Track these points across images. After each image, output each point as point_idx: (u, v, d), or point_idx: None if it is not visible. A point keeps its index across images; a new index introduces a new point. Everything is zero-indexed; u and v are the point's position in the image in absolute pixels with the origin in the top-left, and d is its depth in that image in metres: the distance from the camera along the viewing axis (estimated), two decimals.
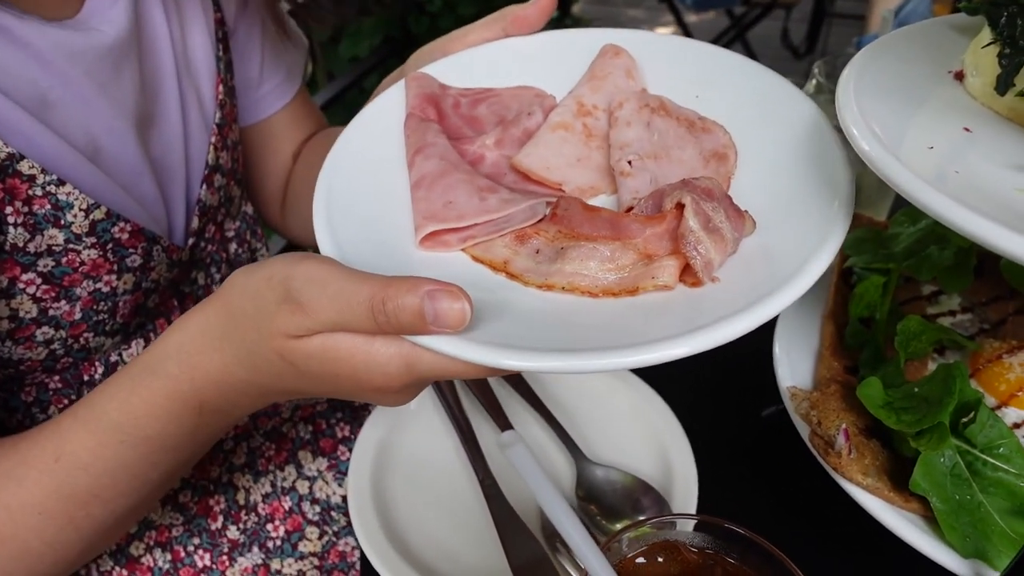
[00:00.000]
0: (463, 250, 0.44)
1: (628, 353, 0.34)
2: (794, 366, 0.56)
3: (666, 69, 0.53)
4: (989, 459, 0.44)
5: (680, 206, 0.39)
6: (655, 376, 0.68)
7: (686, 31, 2.99)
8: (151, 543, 0.67)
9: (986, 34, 0.47)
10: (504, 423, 0.65)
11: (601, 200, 0.48)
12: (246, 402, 0.46)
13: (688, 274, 0.39)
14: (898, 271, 0.60)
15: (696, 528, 0.42)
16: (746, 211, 0.42)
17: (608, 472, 0.61)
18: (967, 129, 0.45)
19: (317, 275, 0.37)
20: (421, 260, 0.43)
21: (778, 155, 0.46)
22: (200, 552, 0.68)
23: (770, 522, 0.50)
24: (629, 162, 0.46)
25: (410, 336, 0.36)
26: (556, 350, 0.35)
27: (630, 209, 0.43)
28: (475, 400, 0.68)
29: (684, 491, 0.59)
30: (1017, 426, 0.53)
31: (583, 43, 0.54)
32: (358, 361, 0.38)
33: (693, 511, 0.57)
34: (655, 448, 0.63)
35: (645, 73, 0.53)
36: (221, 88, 0.71)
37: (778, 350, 0.57)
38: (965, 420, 0.44)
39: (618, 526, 0.57)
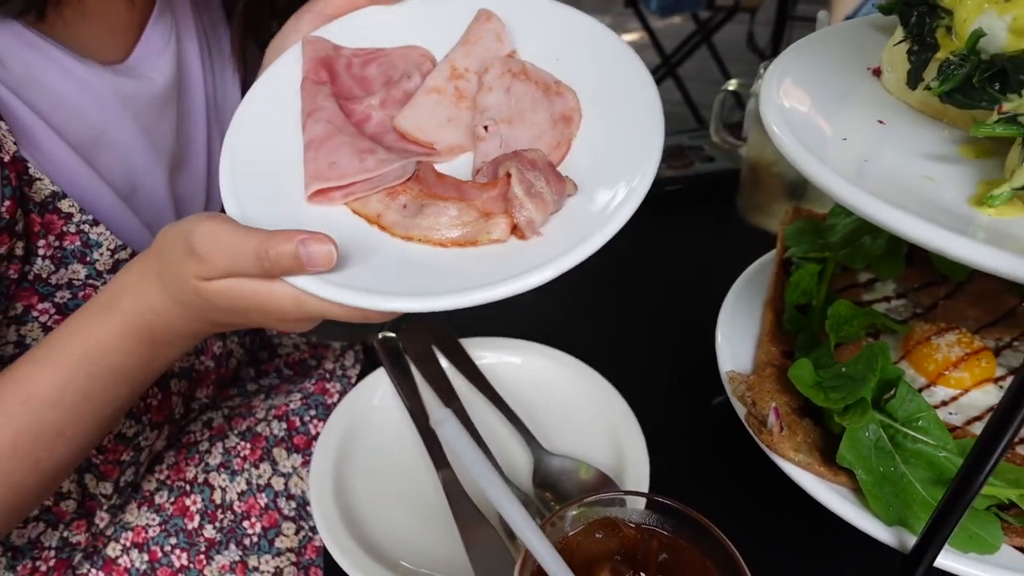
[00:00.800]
0: (345, 204, 0.50)
1: (463, 295, 0.41)
2: (735, 352, 0.59)
3: (535, 31, 0.57)
4: (910, 432, 0.46)
5: (508, 175, 0.46)
6: (611, 369, 0.70)
7: (652, 36, 3.04)
8: (128, 544, 0.68)
9: (899, 32, 0.50)
10: (460, 413, 0.67)
11: (465, 157, 0.54)
12: (187, 332, 0.52)
13: (518, 230, 0.46)
14: (834, 260, 0.63)
15: (633, 505, 0.44)
16: (567, 177, 0.48)
17: (564, 461, 0.63)
18: (881, 122, 0.48)
19: (212, 231, 0.44)
20: (310, 214, 0.49)
21: (613, 118, 0.51)
22: (177, 552, 0.69)
23: (714, 501, 0.52)
24: (485, 127, 0.52)
25: (289, 278, 0.43)
26: (409, 293, 0.42)
27: (479, 171, 0.50)
28: (435, 395, 0.69)
29: (636, 477, 0.61)
30: (945, 403, 0.56)
31: (462, 5, 0.58)
32: (261, 298, 0.45)
33: (643, 501, 0.59)
34: (610, 437, 0.65)
35: (516, 35, 0.57)
36: None
37: (720, 337, 0.59)
38: (887, 396, 0.47)
39: None
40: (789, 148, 0.42)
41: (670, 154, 1.05)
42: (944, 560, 0.44)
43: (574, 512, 0.43)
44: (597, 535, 0.43)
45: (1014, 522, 0.45)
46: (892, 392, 0.47)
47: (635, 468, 0.61)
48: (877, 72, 0.52)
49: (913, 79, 0.48)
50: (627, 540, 0.43)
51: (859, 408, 0.46)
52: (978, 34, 0.44)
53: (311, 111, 0.53)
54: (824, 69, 0.52)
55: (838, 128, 0.46)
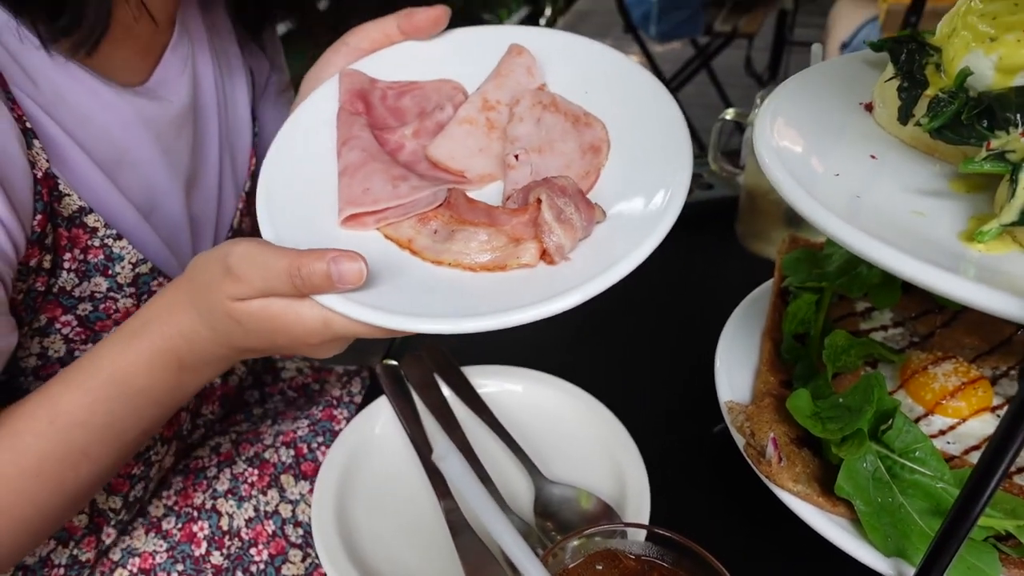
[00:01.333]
0: (378, 229, 0.51)
1: (491, 317, 0.43)
2: (733, 382, 0.59)
3: (564, 65, 0.59)
4: (907, 463, 0.47)
5: (539, 201, 0.47)
6: (612, 397, 0.71)
7: (652, 61, 3.07)
8: (135, 570, 0.68)
9: (890, 69, 0.51)
10: (462, 441, 0.67)
11: (495, 185, 0.56)
12: (213, 359, 0.53)
13: (547, 255, 0.47)
14: (831, 289, 0.64)
15: (633, 537, 0.44)
16: (597, 204, 0.49)
17: (564, 490, 0.63)
18: (873, 157, 0.49)
19: (248, 251, 0.46)
20: (343, 239, 0.50)
21: (642, 149, 0.53)
22: None
23: (715, 530, 0.52)
24: (516, 156, 0.53)
25: (319, 297, 0.45)
26: (436, 315, 0.43)
27: (509, 198, 0.52)
28: (437, 424, 0.70)
29: (637, 506, 0.61)
30: (943, 432, 0.56)
31: (494, 39, 0.60)
32: (288, 319, 0.46)
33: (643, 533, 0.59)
34: (610, 466, 0.66)
35: (546, 69, 0.59)
36: (254, 160, 0.77)
37: (719, 365, 0.60)
38: (884, 427, 0.47)
39: None
40: (783, 184, 0.43)
41: None
42: None
43: (575, 543, 0.43)
44: (598, 567, 0.43)
45: (1012, 553, 0.45)
46: (889, 423, 0.47)
47: (636, 497, 0.62)
48: (869, 107, 0.54)
49: (904, 115, 0.49)
50: (627, 572, 0.43)
51: (856, 439, 0.47)
52: (965, 72, 0.45)
53: (346, 139, 0.55)
54: (817, 104, 0.53)
55: (831, 163, 0.47)
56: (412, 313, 0.43)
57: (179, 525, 0.70)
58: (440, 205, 0.51)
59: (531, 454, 0.67)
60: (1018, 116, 0.43)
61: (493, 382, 0.74)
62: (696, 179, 1.07)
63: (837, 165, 0.47)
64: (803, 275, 0.64)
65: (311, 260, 0.43)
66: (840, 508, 0.48)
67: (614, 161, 0.54)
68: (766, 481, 0.50)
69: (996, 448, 0.35)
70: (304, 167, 0.55)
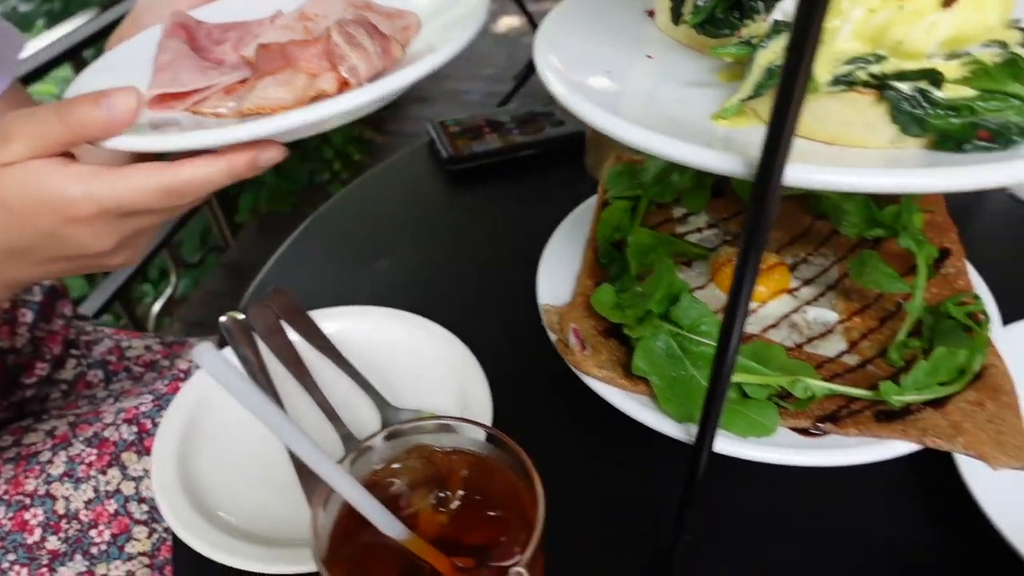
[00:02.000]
0: (186, 110, 0.51)
1: (270, 121, 0.43)
2: (556, 290, 0.62)
3: None
4: (695, 337, 0.50)
5: (329, 30, 0.48)
6: (464, 326, 0.72)
7: (531, 20, 3.09)
8: None
9: None
10: (309, 382, 0.68)
11: None
12: None
13: (347, 85, 0.47)
14: (647, 197, 0.67)
15: (447, 431, 0.46)
16: (392, 37, 0.51)
17: (408, 414, 0.65)
18: (650, 56, 0.52)
19: (20, 112, 0.44)
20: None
21: (446, 23, 0.55)
22: (16, 568, 0.66)
23: (546, 428, 0.55)
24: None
25: (88, 136, 0.43)
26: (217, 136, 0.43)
27: None
28: (281, 367, 0.70)
29: (478, 418, 0.63)
30: (745, 316, 0.61)
31: None
32: (51, 184, 0.44)
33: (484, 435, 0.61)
34: (456, 387, 0.67)
35: None
36: None
37: (541, 274, 0.62)
38: (673, 307, 0.51)
39: None
40: (552, 84, 0.45)
41: (523, 121, 1.08)
42: (728, 446, 0.48)
43: (381, 442, 0.44)
44: (407, 464, 0.45)
45: (789, 407, 0.50)
46: (677, 301, 0.51)
47: (479, 410, 0.64)
48: (651, 13, 0.56)
49: (675, 15, 0.52)
50: (436, 463, 0.45)
51: (648, 320, 0.50)
52: None
53: (163, 49, 0.55)
54: (602, 14, 0.56)
55: (605, 65, 0.49)
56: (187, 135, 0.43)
57: (9, 515, 0.67)
58: (245, 80, 0.52)
59: (379, 386, 0.68)
60: (761, 4, 0.47)
61: (342, 322, 0.75)
62: (548, 117, 1.10)
63: (611, 65, 0.49)
64: (622, 187, 0.67)
65: (82, 98, 0.43)
66: (640, 387, 0.51)
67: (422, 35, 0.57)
68: (576, 371, 0.53)
69: (730, 307, 0.38)
70: (116, 78, 0.53)
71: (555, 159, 1.04)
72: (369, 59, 0.48)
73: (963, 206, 0.88)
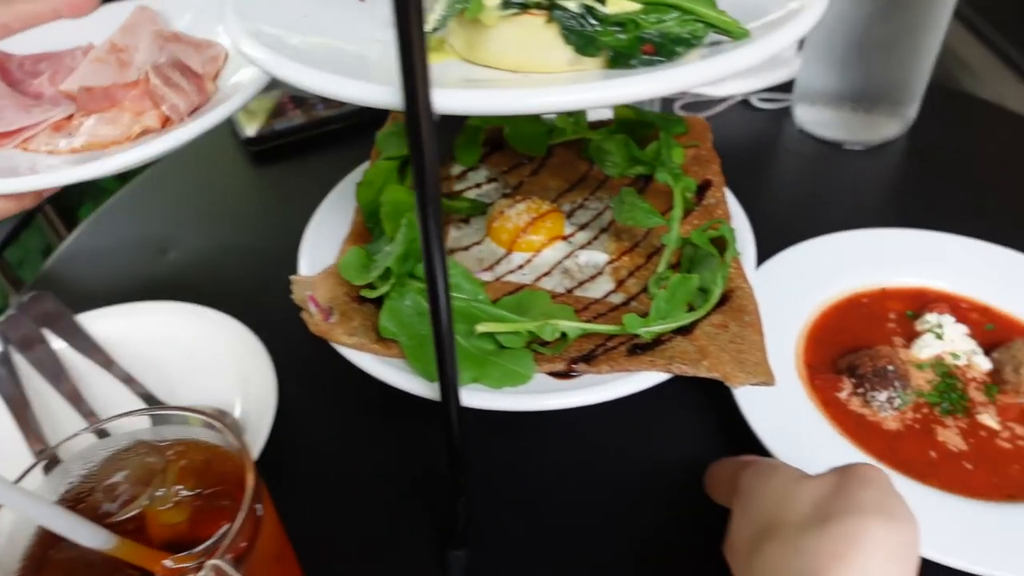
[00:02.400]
0: (15, 148, 0.53)
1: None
2: (323, 259, 0.58)
3: (189, 7, 0.64)
4: None
5: (147, 73, 0.53)
6: (245, 308, 0.67)
7: None
8: None
9: None
10: (72, 392, 0.61)
11: None
12: None
13: (168, 121, 0.53)
14: None
15: (166, 423, 0.42)
16: (205, 74, 0.56)
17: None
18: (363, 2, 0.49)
19: None
20: None
21: None
22: None
23: (329, 410, 0.52)
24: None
25: None
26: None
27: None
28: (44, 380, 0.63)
29: (261, 406, 0.59)
30: (521, 267, 0.60)
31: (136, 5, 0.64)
32: None
33: (267, 431, 0.57)
34: (237, 377, 0.63)
35: (170, 17, 0.64)
36: None
37: (303, 246, 0.59)
38: (420, 264, 0.49)
39: None
40: (234, 32, 0.41)
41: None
42: (481, 400, 0.46)
43: (83, 447, 0.40)
44: (127, 463, 0.41)
45: (545, 352, 0.49)
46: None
47: (262, 397, 0.60)
48: None
49: None
50: (157, 459, 0.41)
51: (390, 279, 0.47)
52: None
53: None
54: None
55: (305, 9, 0.46)
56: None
57: None
58: (71, 116, 0.54)
59: (155, 385, 0.63)
60: None
61: (118, 322, 0.68)
62: None
63: (307, 10, 0.46)
64: (393, 148, 0.64)
65: None
66: (393, 349, 0.49)
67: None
68: (331, 342, 0.50)
69: (426, 257, 0.36)
70: None
71: (364, 131, 1.00)
72: (187, 96, 0.53)
73: (757, 144, 0.91)
